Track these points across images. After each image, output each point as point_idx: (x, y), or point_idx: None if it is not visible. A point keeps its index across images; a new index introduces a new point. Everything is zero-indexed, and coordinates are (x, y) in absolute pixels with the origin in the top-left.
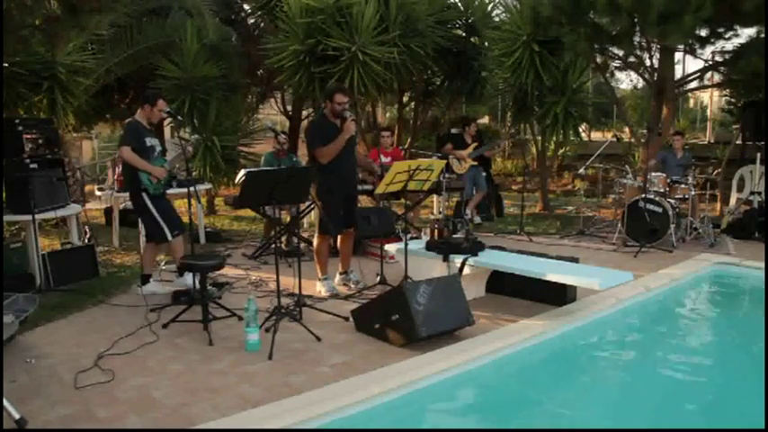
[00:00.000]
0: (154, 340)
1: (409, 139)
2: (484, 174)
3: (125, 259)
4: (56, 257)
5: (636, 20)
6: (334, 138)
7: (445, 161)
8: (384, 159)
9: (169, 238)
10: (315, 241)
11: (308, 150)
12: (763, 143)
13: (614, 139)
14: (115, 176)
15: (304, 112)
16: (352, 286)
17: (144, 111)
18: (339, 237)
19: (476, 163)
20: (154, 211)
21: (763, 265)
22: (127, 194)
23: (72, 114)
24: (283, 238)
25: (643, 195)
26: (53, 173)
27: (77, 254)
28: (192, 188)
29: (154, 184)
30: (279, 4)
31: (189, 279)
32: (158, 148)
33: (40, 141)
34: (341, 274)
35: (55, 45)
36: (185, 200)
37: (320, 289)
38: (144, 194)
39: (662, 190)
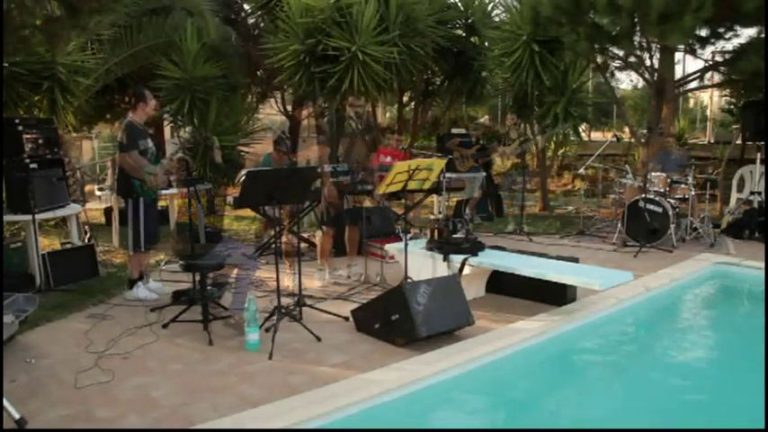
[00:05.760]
0: (154, 340)
1: (409, 139)
2: (484, 174)
3: (125, 259)
4: (56, 257)
5: (636, 20)
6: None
7: (445, 161)
8: (385, 159)
9: (141, 249)
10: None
11: None
12: (763, 143)
13: (614, 140)
14: (115, 177)
15: (304, 112)
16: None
17: (137, 110)
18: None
19: (476, 163)
20: (142, 219)
21: (763, 265)
22: None
23: (72, 114)
24: (283, 238)
25: (643, 195)
26: (53, 173)
27: (77, 254)
28: (191, 188)
29: (146, 191)
30: (279, 4)
31: (138, 292)
32: (152, 150)
33: (40, 141)
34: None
35: (55, 45)
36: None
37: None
38: (141, 200)
39: (662, 190)
